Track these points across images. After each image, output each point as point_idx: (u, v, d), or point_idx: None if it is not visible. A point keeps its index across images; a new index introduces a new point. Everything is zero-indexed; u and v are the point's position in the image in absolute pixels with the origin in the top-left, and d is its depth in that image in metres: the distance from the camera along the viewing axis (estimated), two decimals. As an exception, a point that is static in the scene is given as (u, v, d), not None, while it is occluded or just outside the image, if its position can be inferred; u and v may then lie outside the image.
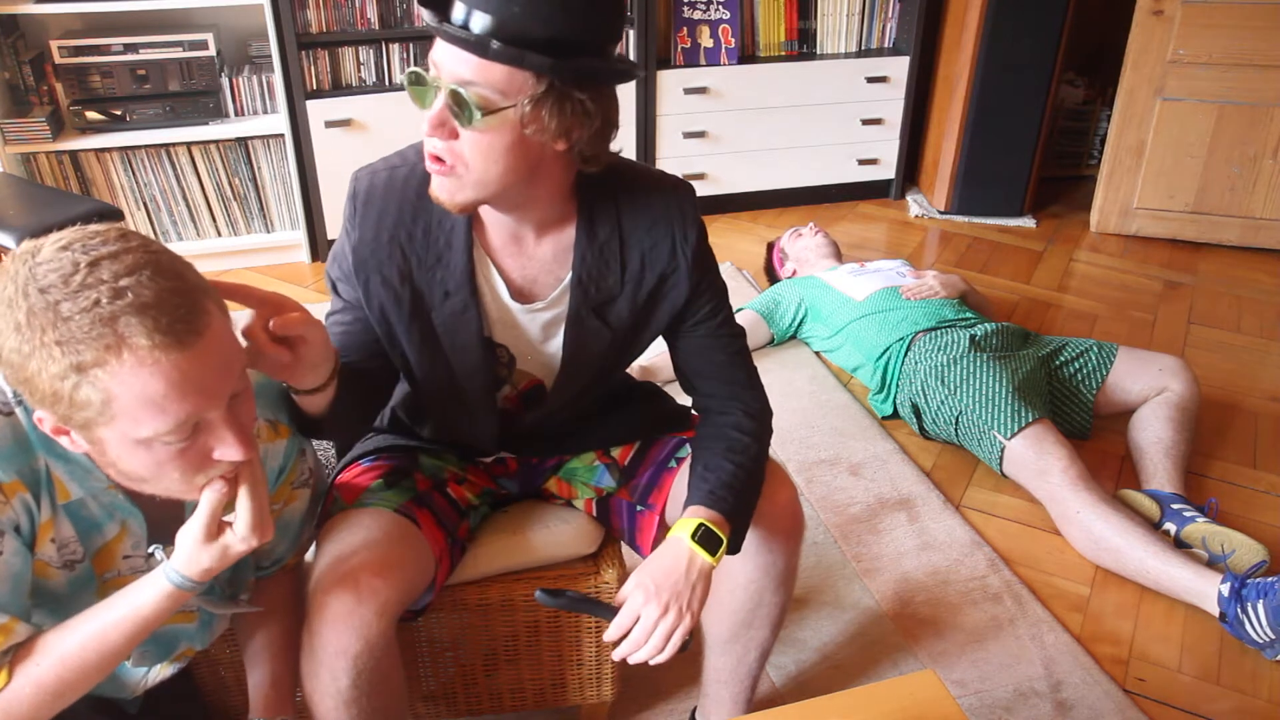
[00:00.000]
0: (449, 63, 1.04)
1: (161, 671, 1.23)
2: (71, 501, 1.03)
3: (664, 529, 1.40)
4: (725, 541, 1.23)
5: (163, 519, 1.06)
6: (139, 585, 1.02)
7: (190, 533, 1.01)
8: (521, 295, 1.27)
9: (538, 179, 1.15)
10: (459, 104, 1.04)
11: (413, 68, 1.08)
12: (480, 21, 1.02)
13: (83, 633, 1.01)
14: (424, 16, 1.06)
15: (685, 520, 1.24)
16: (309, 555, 1.39)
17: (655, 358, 2.50)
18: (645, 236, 1.25)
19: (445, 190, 1.12)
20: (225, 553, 1.02)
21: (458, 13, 1.04)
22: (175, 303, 0.87)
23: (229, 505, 1.01)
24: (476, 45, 1.01)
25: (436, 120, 1.06)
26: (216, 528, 1.01)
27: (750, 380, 1.36)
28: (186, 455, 0.95)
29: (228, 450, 0.96)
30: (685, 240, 1.26)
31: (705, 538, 1.22)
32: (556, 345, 1.32)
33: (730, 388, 1.35)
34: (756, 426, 1.33)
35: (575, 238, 1.24)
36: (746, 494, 1.28)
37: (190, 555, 1.01)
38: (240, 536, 1.01)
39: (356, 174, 1.25)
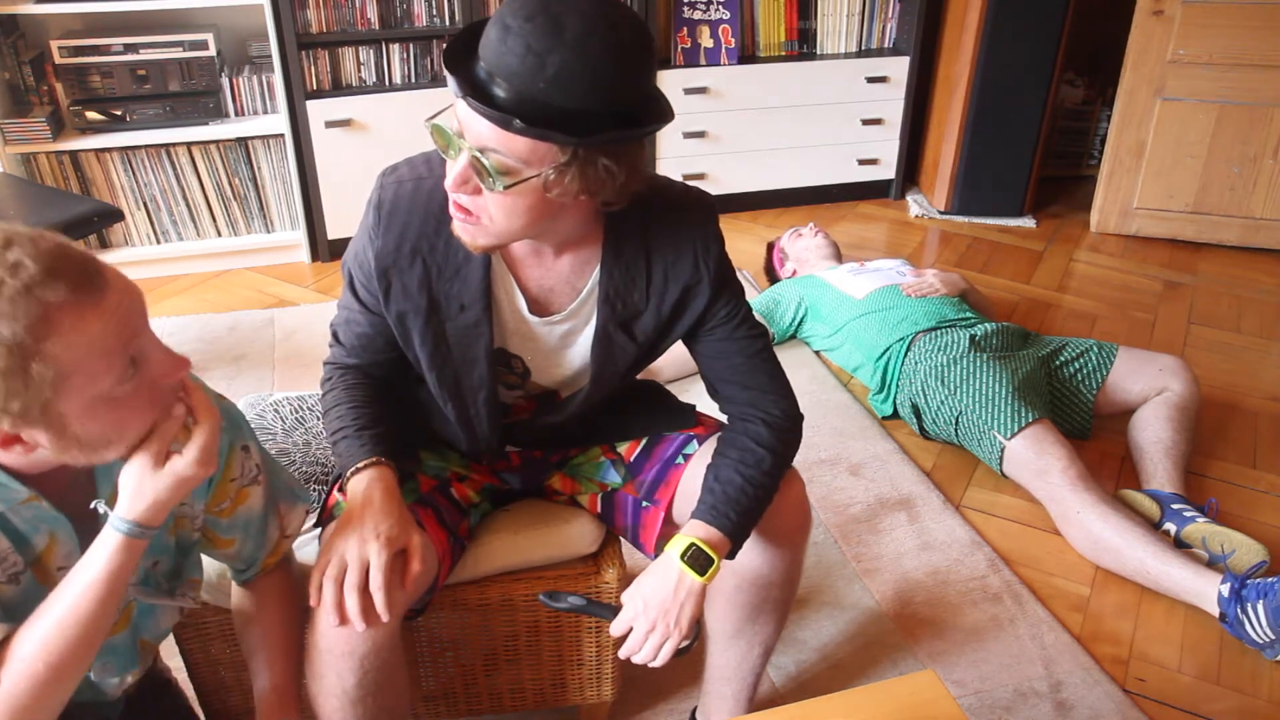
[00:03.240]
0: (473, 125, 1.03)
1: (135, 674, 1.21)
2: None
3: (670, 525, 1.41)
4: (717, 561, 1.24)
5: (92, 529, 1.05)
6: (91, 549, 1.01)
7: (136, 465, 0.99)
8: (539, 306, 1.28)
9: (560, 219, 1.15)
10: (482, 169, 1.04)
11: (433, 120, 1.07)
12: (504, 91, 1.00)
13: (54, 614, 0.99)
14: (449, 83, 1.04)
15: (679, 538, 1.25)
16: (311, 554, 1.39)
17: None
18: (669, 252, 1.25)
19: (468, 234, 1.14)
20: (175, 481, 1.00)
21: (481, 75, 1.02)
22: (71, 258, 0.89)
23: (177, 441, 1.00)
24: (500, 120, 1.00)
25: (460, 178, 1.06)
26: (164, 455, 1.00)
27: (772, 384, 1.35)
28: (139, 396, 0.95)
29: (169, 368, 0.97)
30: (707, 253, 1.26)
31: (695, 558, 1.23)
32: (573, 356, 1.32)
33: (749, 393, 1.34)
34: (774, 437, 1.32)
35: (601, 256, 1.24)
36: (752, 509, 1.28)
37: (136, 489, 0.99)
38: (189, 460, 1.00)
39: (383, 180, 1.24)
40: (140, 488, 1.00)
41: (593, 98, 1.01)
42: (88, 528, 1.05)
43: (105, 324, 0.90)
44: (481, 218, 1.10)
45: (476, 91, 1.02)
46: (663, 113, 1.09)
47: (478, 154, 1.03)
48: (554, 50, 0.98)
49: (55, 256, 0.88)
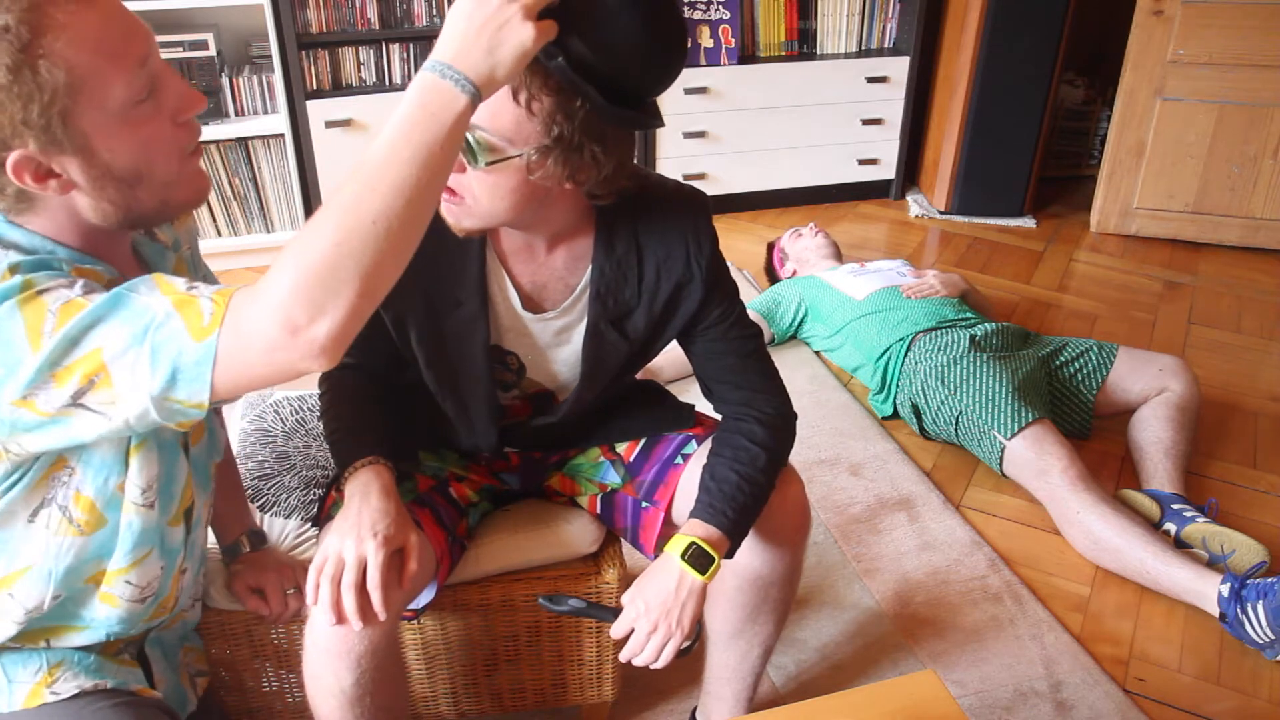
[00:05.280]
0: None
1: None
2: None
3: (669, 525, 1.41)
4: (717, 559, 1.24)
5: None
6: (414, 123, 0.88)
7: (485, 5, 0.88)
8: (532, 303, 1.28)
9: (548, 207, 1.16)
10: (466, 145, 1.05)
11: None
12: None
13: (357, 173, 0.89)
14: None
15: (679, 537, 1.25)
16: (310, 554, 1.39)
17: (656, 358, 2.50)
18: (660, 248, 1.25)
19: (453, 215, 1.14)
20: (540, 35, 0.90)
21: None
22: None
23: None
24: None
25: None
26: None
27: (765, 384, 1.35)
28: (161, 126, 0.94)
29: (188, 99, 0.96)
30: (699, 250, 1.26)
31: (696, 556, 1.23)
32: (567, 353, 1.32)
33: (742, 392, 1.34)
34: (769, 435, 1.32)
35: (593, 252, 1.24)
36: (748, 506, 1.28)
37: (491, 41, 0.88)
38: None
39: None
40: (499, 37, 0.89)
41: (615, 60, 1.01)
42: None
43: (106, 23, 0.88)
44: (465, 198, 1.11)
45: None
46: (651, 117, 1.10)
47: None
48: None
49: None
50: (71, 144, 0.90)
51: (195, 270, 1.21)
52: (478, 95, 0.89)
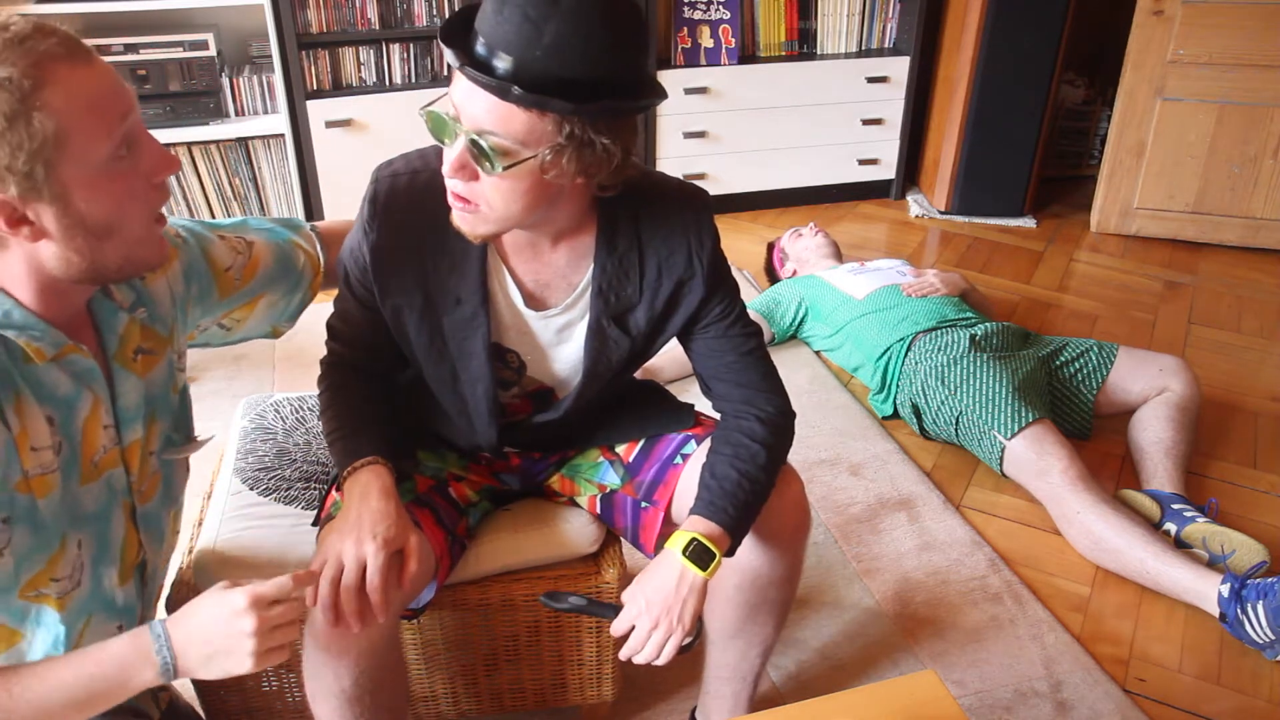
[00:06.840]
0: (469, 107, 1.04)
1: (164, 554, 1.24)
2: (41, 377, 1.00)
3: (669, 525, 1.41)
4: (719, 555, 1.24)
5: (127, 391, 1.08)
6: (113, 658, 0.97)
7: (239, 636, 0.98)
8: (534, 301, 1.28)
9: (556, 205, 1.16)
10: (479, 152, 1.05)
11: (430, 108, 1.08)
12: (503, 63, 1.01)
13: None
14: (446, 55, 1.06)
15: (680, 533, 1.25)
16: (309, 554, 1.39)
17: (656, 358, 2.50)
18: (662, 245, 1.26)
19: (467, 223, 1.14)
20: (254, 667, 0.99)
21: (480, 51, 1.03)
22: (57, 26, 0.92)
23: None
24: (498, 89, 1.01)
25: (457, 164, 1.07)
26: (271, 653, 1.00)
27: (765, 382, 1.35)
28: (135, 183, 0.97)
29: (162, 160, 1.00)
30: (701, 248, 1.26)
31: (697, 552, 1.23)
32: (568, 351, 1.32)
33: (743, 390, 1.34)
34: (769, 432, 1.32)
35: (595, 249, 1.25)
36: (749, 503, 1.28)
37: (214, 655, 0.99)
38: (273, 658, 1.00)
39: (378, 175, 1.24)
40: (226, 656, 0.99)
41: (588, 66, 1.02)
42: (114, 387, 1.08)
43: (98, 82, 0.92)
44: (480, 205, 1.11)
45: (475, 63, 1.03)
46: (658, 90, 1.10)
47: (475, 137, 1.04)
48: (550, 18, 1.00)
49: (41, 20, 0.92)
50: (50, 193, 0.92)
51: (160, 325, 1.18)
52: (172, 677, 0.98)
